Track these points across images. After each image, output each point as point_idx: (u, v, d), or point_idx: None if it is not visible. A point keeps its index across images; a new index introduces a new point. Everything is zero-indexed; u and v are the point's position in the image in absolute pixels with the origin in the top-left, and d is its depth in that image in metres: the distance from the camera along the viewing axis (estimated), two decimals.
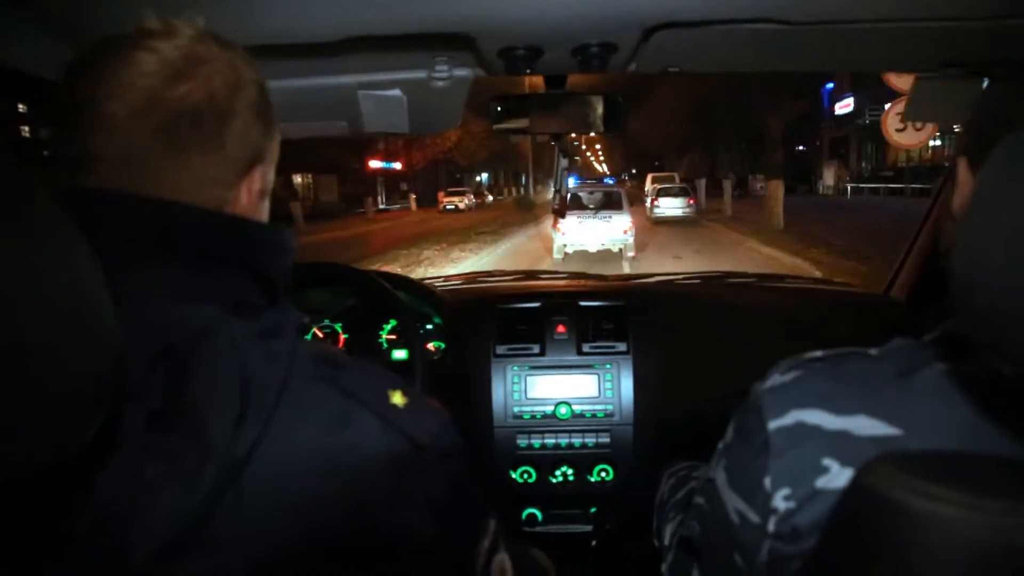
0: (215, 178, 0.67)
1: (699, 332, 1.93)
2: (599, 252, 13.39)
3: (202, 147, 0.65)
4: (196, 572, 0.56)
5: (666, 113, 30.11)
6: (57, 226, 0.43)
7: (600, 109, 1.50)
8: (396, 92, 1.39)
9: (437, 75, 1.34)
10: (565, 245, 13.49)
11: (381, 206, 41.87)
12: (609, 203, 13.83)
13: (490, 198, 46.96)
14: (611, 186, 16.09)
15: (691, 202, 22.31)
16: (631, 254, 13.34)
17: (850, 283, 2.50)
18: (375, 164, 39.67)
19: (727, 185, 25.12)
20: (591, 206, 13.63)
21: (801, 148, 44.84)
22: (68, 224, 0.44)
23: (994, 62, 0.95)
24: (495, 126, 1.53)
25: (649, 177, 30.94)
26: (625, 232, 13.36)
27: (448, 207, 36.11)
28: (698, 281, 2.33)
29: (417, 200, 40.58)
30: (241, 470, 0.57)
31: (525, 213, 28.55)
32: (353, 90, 1.38)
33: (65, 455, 0.44)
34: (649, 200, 23.99)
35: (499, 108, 1.51)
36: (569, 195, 14.95)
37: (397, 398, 0.68)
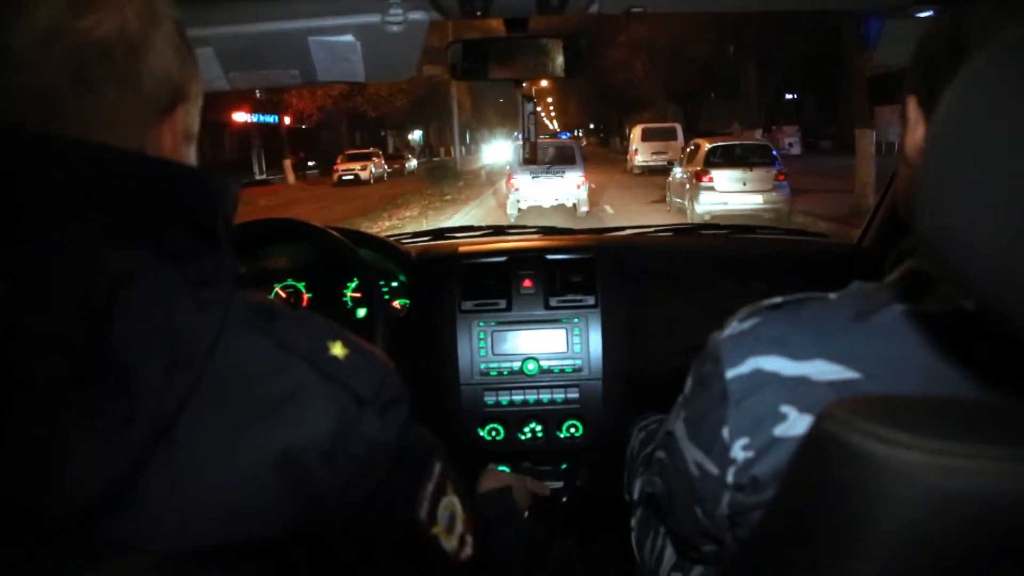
0: (132, 117, 0.62)
1: (669, 284, 1.90)
2: (553, 207, 13.81)
3: (115, 82, 0.60)
4: (125, 533, 0.53)
5: (650, 50, 27.66)
6: None
7: (563, 52, 1.44)
8: (349, 38, 1.33)
9: (391, 19, 1.28)
10: (519, 201, 13.77)
11: (258, 176, 32.14)
12: (562, 158, 13.90)
13: (412, 163, 36.44)
14: (564, 141, 16.94)
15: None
16: (584, 209, 13.79)
17: (825, 235, 2.48)
18: (243, 118, 29.95)
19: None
20: (544, 161, 13.60)
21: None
22: None
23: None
24: (453, 74, 1.48)
25: (637, 130, 26.11)
26: (578, 187, 13.73)
27: (345, 177, 27.54)
28: (670, 233, 2.30)
29: (312, 166, 33.37)
30: (171, 424, 0.54)
31: (440, 190, 20.56)
32: (303, 36, 1.32)
33: None
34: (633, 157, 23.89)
35: (457, 54, 1.45)
36: (521, 150, 15.18)
37: (337, 349, 0.65)
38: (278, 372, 0.60)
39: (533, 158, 1.84)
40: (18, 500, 0.50)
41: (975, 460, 0.47)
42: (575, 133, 62.92)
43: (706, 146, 12.86)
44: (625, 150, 38.67)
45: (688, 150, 14.03)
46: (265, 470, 0.57)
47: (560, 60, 1.46)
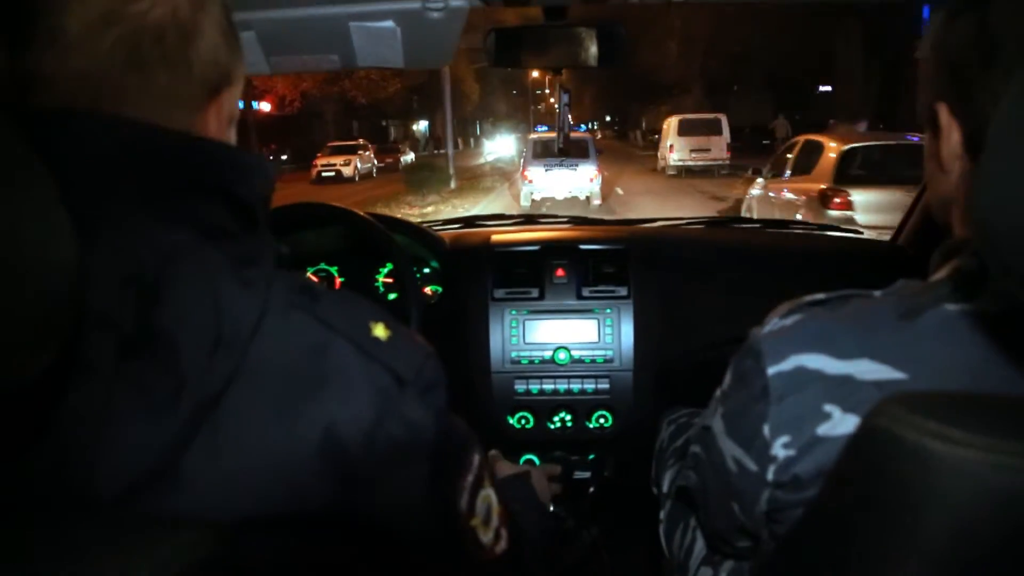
0: (182, 100, 0.64)
1: (702, 277, 1.89)
2: (565, 199, 14.05)
3: (167, 66, 0.62)
4: (168, 510, 0.54)
5: (688, 32, 25.36)
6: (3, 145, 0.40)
7: (599, 42, 1.44)
8: (389, 24, 1.33)
9: (432, 5, 1.28)
10: (532, 193, 14.14)
11: None
12: (576, 152, 14.02)
13: (410, 156, 31.71)
14: (578, 134, 16.40)
15: None
16: (597, 202, 14.15)
17: (859, 231, 2.45)
18: None
19: None
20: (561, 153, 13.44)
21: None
22: (15, 142, 0.41)
23: None
24: (490, 61, 1.48)
25: (672, 122, 21.61)
26: (591, 180, 14.13)
27: (325, 174, 24.08)
28: (702, 226, 2.28)
29: (286, 160, 29.07)
30: (216, 403, 0.55)
31: (422, 197, 16.74)
32: (344, 21, 1.32)
33: (17, 382, 0.42)
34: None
35: (494, 41, 1.45)
36: (535, 143, 14.67)
37: (379, 331, 0.65)
38: (321, 351, 0.61)
39: (567, 148, 1.83)
40: (69, 473, 0.51)
41: None
42: (590, 126, 60.92)
43: (838, 148, 7.84)
44: (647, 144, 36.46)
45: (793, 153, 9.04)
46: (307, 447, 0.58)
47: (595, 49, 1.46)
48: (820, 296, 0.75)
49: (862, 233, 2.38)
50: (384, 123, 40.53)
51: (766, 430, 0.72)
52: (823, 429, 0.67)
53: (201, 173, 0.61)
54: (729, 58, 25.69)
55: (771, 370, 0.72)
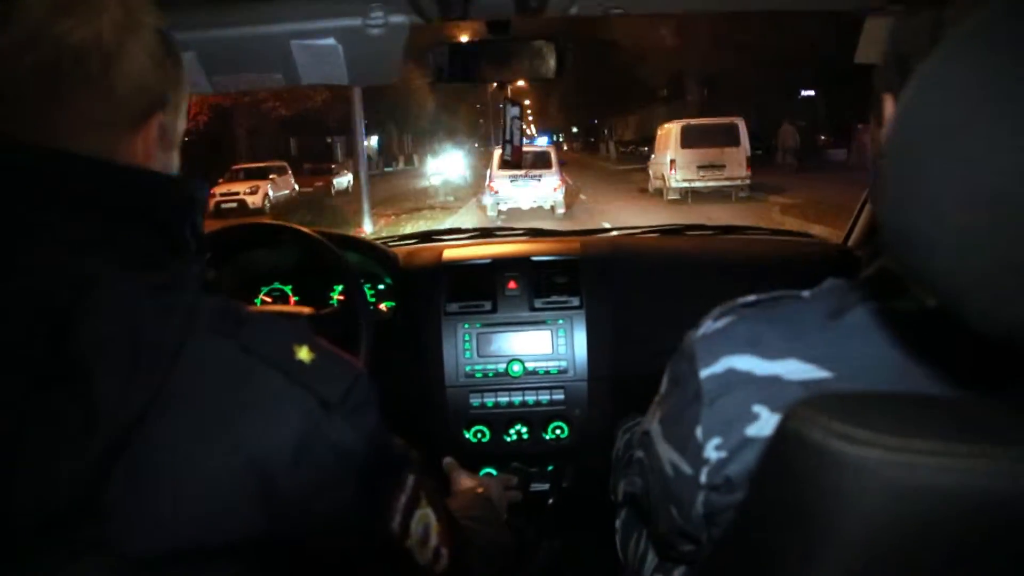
0: (103, 124, 0.63)
1: (655, 285, 1.90)
2: (531, 209, 14.79)
3: (86, 90, 0.61)
4: (87, 544, 0.52)
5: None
6: None
7: (550, 54, 1.45)
8: (330, 41, 1.33)
9: (372, 22, 1.28)
10: (499, 203, 14.87)
11: None
12: (540, 163, 14.89)
13: (345, 179, 25.86)
14: (541, 147, 17.06)
15: None
16: (561, 211, 14.83)
17: (810, 234, 2.48)
18: None
19: None
20: (523, 165, 13.61)
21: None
22: None
23: None
24: (438, 77, 1.48)
25: (672, 129, 16.96)
26: (555, 190, 14.85)
27: (225, 205, 18.92)
28: (656, 234, 2.30)
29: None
30: (131, 433, 0.54)
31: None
32: (285, 40, 1.32)
33: None
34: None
35: (441, 57, 1.45)
36: (500, 154, 16.01)
37: (303, 353, 0.64)
38: (243, 377, 0.60)
39: (517, 161, 1.84)
40: None
41: (934, 457, 0.47)
42: (555, 137, 59.32)
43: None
44: (621, 157, 35.00)
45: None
46: (231, 476, 0.57)
47: (545, 61, 1.47)
48: (751, 298, 0.76)
49: (812, 237, 2.41)
50: (329, 140, 35.58)
51: (699, 432, 0.72)
52: (752, 430, 0.68)
53: (117, 199, 0.60)
54: (743, 50, 21.30)
55: (703, 372, 0.73)
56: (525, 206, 14.79)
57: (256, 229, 1.70)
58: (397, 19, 1.28)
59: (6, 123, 0.58)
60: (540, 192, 14.83)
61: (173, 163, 0.72)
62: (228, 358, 0.60)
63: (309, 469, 0.60)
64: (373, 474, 0.66)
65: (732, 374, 0.70)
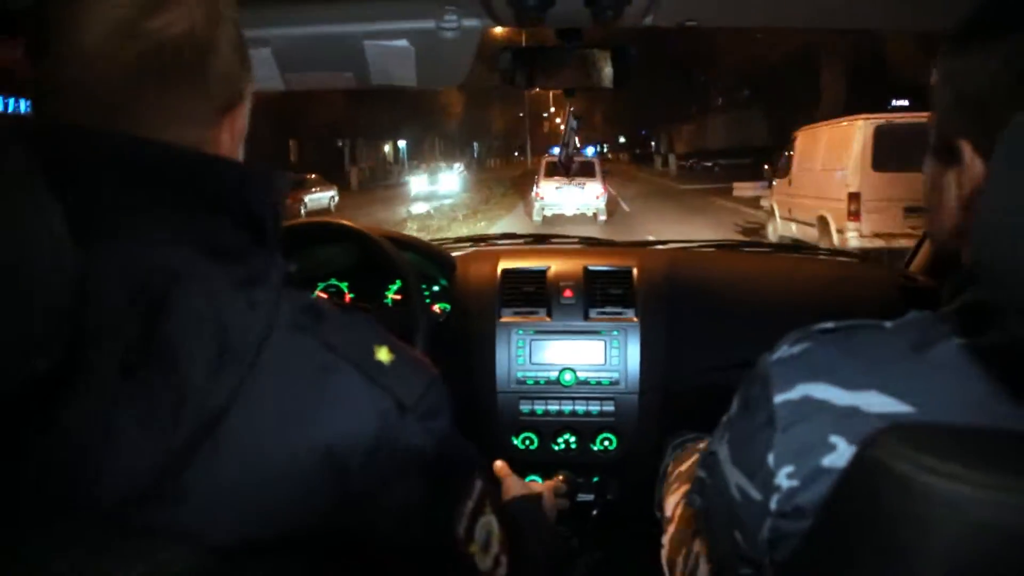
0: (196, 116, 0.64)
1: (710, 300, 1.88)
2: (574, 215, 15.53)
3: (184, 82, 0.62)
4: (167, 524, 0.54)
5: None
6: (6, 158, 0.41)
7: (611, 63, 1.44)
8: (403, 43, 1.34)
9: (445, 25, 1.29)
10: (544, 208, 15.69)
11: None
12: (584, 172, 15.38)
13: (326, 195, 21.27)
14: (586, 156, 17.66)
15: None
16: (603, 217, 15.52)
17: (868, 256, 2.44)
18: None
19: None
20: (570, 174, 14.70)
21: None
22: (21, 157, 0.42)
23: None
24: (504, 80, 1.48)
25: (858, 131, 8.86)
26: (597, 198, 15.51)
27: None
28: (712, 249, 2.28)
29: None
30: (218, 421, 0.55)
31: None
32: (359, 40, 1.33)
33: (12, 387, 0.43)
34: None
35: (508, 61, 1.46)
36: (547, 164, 15.62)
37: (383, 354, 0.65)
38: (323, 373, 0.61)
39: (568, 168, 1.84)
40: (68, 485, 0.51)
41: (1020, 495, 0.46)
42: (600, 148, 57.78)
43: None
44: (682, 173, 32.79)
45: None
46: (307, 467, 0.58)
47: (608, 71, 1.47)
48: (830, 325, 0.75)
49: (873, 262, 2.37)
50: (340, 143, 31.86)
51: (771, 459, 0.71)
52: (828, 460, 0.67)
53: (211, 191, 0.61)
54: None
55: (778, 398, 0.71)
56: (569, 212, 15.54)
57: (317, 226, 1.71)
58: (471, 23, 1.29)
59: (106, 116, 0.59)
60: (583, 199, 15.52)
61: (242, 153, 0.73)
62: (310, 353, 0.61)
63: (381, 468, 0.61)
64: (442, 477, 0.67)
65: (808, 402, 0.69)
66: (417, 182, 25.87)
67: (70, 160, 0.56)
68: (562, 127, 1.77)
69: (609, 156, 57.07)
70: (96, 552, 0.48)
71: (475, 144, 55.41)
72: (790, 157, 11.04)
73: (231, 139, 0.68)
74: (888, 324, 0.72)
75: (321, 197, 20.65)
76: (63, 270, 0.44)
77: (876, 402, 0.65)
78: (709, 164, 33.68)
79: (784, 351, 0.75)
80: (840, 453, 0.66)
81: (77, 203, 0.53)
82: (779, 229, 11.47)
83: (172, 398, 0.53)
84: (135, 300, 0.54)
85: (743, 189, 16.01)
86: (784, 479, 0.70)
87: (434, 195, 23.96)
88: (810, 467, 0.68)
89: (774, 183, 11.90)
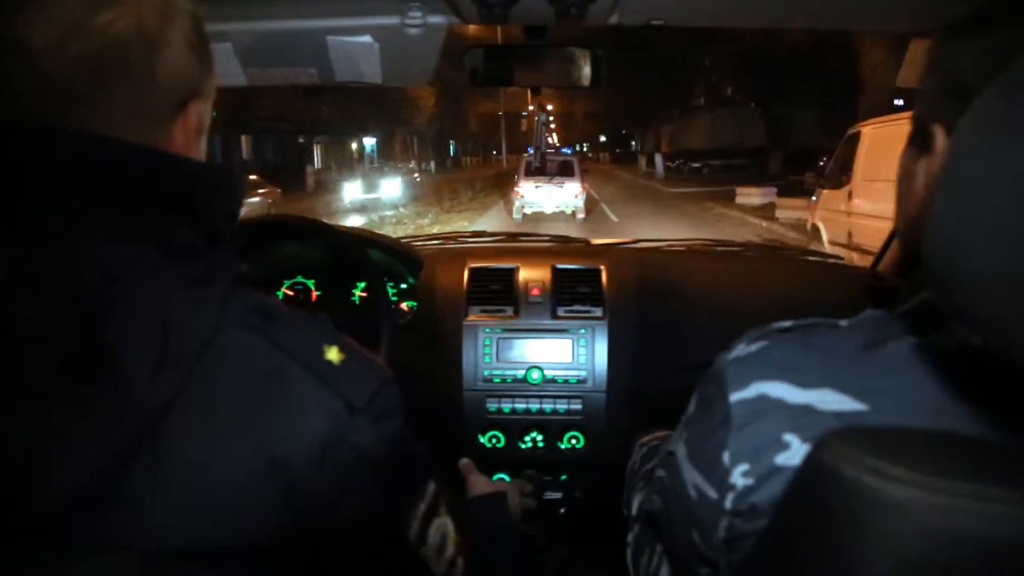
0: (146, 114, 0.63)
1: (680, 299, 1.89)
2: (553, 213, 15.89)
3: (129, 80, 0.61)
4: (110, 530, 0.53)
5: None
6: None
7: (586, 63, 1.44)
8: (367, 39, 1.33)
9: (410, 21, 1.27)
10: (523, 206, 16.08)
11: None
12: (563, 171, 15.85)
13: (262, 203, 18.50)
14: (565, 155, 18.65)
15: None
16: (581, 215, 15.94)
17: (840, 257, 2.46)
18: None
19: None
20: (547, 172, 15.15)
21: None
22: None
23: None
24: (472, 79, 1.48)
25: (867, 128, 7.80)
26: (576, 196, 15.92)
27: None
28: (683, 248, 2.28)
29: None
30: (159, 422, 0.54)
31: None
32: (322, 35, 1.32)
33: None
34: None
35: (477, 59, 1.45)
36: (527, 163, 15.81)
37: (333, 354, 0.64)
38: (271, 373, 0.60)
39: (542, 167, 1.84)
40: (3, 490, 0.50)
41: (973, 501, 0.46)
42: (578, 147, 57.94)
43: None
44: (673, 176, 31.28)
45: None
46: (252, 473, 0.57)
47: (582, 69, 1.46)
48: (787, 323, 0.75)
49: (842, 259, 2.38)
50: (301, 140, 29.98)
51: (726, 457, 0.71)
52: (781, 459, 0.67)
53: (162, 188, 0.60)
54: None
55: (734, 397, 0.71)
56: (548, 210, 15.94)
57: (284, 223, 1.70)
58: (436, 20, 1.28)
59: (57, 114, 0.58)
60: (562, 198, 15.92)
61: (202, 149, 0.72)
62: (258, 353, 0.60)
63: (332, 473, 0.60)
64: (394, 480, 0.66)
65: (763, 400, 0.69)
66: (351, 189, 22.10)
67: (11, 156, 0.55)
68: (545, 127, 1.76)
69: (589, 155, 56.53)
70: (26, 560, 0.47)
71: (451, 142, 53.51)
72: (847, 160, 8.17)
73: (185, 136, 0.67)
74: (843, 322, 0.72)
75: (254, 202, 18.46)
76: None
77: (830, 400, 0.65)
78: (697, 165, 31.97)
79: (741, 349, 0.75)
80: (794, 451, 0.66)
81: (13, 199, 0.52)
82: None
83: (113, 398, 0.52)
84: (75, 299, 0.53)
85: (748, 195, 14.85)
86: (739, 477, 0.70)
87: (374, 205, 20.92)
88: (764, 465, 0.68)
89: (820, 194, 9.07)
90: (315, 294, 1.90)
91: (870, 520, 0.48)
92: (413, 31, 1.29)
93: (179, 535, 0.54)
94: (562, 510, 1.83)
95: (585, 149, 62.34)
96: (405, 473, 0.69)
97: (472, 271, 1.90)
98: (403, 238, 2.17)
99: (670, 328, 1.84)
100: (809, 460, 0.55)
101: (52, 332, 0.52)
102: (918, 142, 0.73)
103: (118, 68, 0.59)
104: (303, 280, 1.90)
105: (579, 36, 1.57)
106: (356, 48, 1.34)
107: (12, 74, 0.58)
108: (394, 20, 1.27)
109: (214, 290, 0.59)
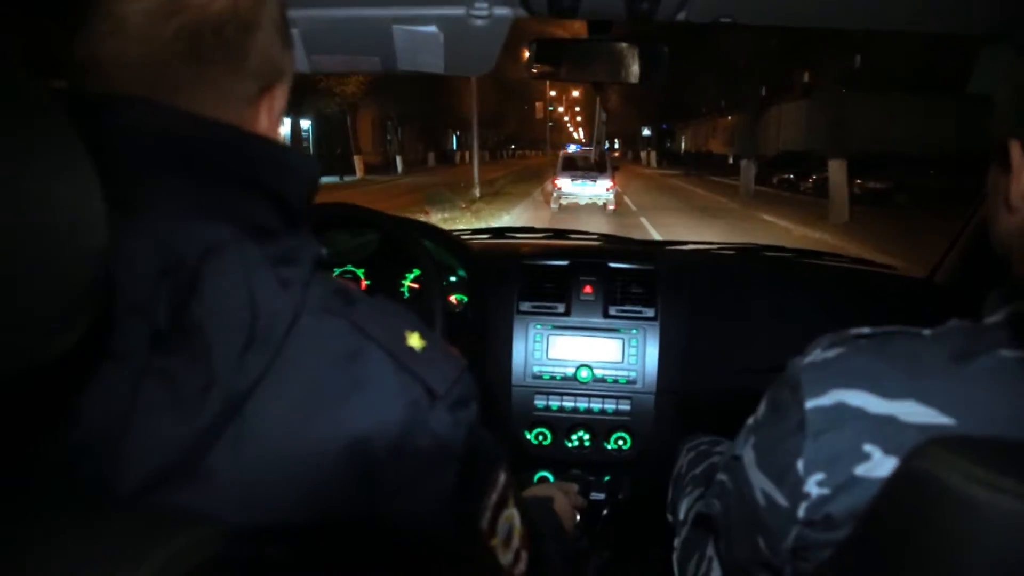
0: (236, 94, 0.63)
1: (730, 303, 1.86)
2: (587, 204, 17.34)
3: (225, 59, 0.61)
4: (188, 506, 0.53)
5: None
6: (44, 123, 0.39)
7: (641, 59, 1.42)
8: (432, 29, 1.32)
9: (476, 12, 1.27)
10: (560, 197, 17.43)
11: None
12: (596, 165, 17.39)
13: None
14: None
15: None
16: (611, 207, 17.03)
17: (894, 266, 2.40)
18: None
19: None
20: (582, 167, 17.43)
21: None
22: (62, 126, 0.40)
23: None
24: (528, 70, 1.47)
25: None
26: (607, 190, 17.22)
27: None
28: (732, 252, 2.25)
29: None
30: (244, 402, 0.54)
31: None
32: (387, 24, 1.31)
33: (36, 362, 0.41)
34: None
35: (536, 51, 1.44)
36: (564, 158, 17.40)
37: (414, 340, 0.64)
38: (353, 357, 0.60)
39: (602, 165, 1.82)
40: (91, 461, 0.50)
41: None
42: (613, 144, 56.97)
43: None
44: (706, 178, 25.79)
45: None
46: (333, 455, 0.57)
47: (637, 66, 1.45)
48: (865, 330, 0.73)
49: (895, 269, 2.33)
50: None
51: (800, 465, 0.69)
52: (861, 470, 0.65)
53: (248, 170, 0.61)
54: None
55: (809, 403, 0.69)
56: (582, 201, 17.45)
57: (339, 209, 1.70)
58: (502, 11, 1.27)
59: (149, 90, 0.58)
60: (595, 190, 17.31)
61: (280, 134, 0.72)
62: (340, 336, 0.60)
63: (410, 457, 0.60)
64: (468, 469, 0.65)
65: (842, 408, 0.67)
66: None
67: (104, 129, 0.56)
68: (572, 124, 1.75)
69: (617, 154, 54.77)
70: (116, 536, 0.47)
71: (455, 133, 47.23)
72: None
73: (269, 119, 0.67)
74: (926, 332, 0.70)
75: None
76: (97, 238, 0.43)
77: (915, 412, 0.63)
78: (789, 176, 22.04)
79: (817, 355, 0.73)
80: (875, 463, 0.64)
81: (109, 172, 0.53)
82: None
83: (201, 377, 0.52)
84: (166, 275, 0.53)
85: None
86: (814, 487, 0.68)
87: None
88: (842, 476, 0.66)
89: None
90: (364, 284, 1.90)
91: (979, 533, 0.47)
92: (479, 22, 1.28)
93: (260, 512, 0.54)
94: (605, 511, 1.81)
95: (616, 146, 60.09)
96: (479, 462, 0.68)
97: (525, 267, 1.89)
98: (452, 231, 2.17)
99: (721, 332, 1.82)
100: (905, 469, 0.54)
101: (144, 306, 0.52)
102: (999, 159, 0.71)
103: (214, 47, 0.60)
104: (352, 269, 1.91)
105: (639, 33, 1.55)
106: (421, 38, 1.34)
107: (107, 49, 0.58)
108: (460, 11, 1.27)
109: (298, 271, 0.60)
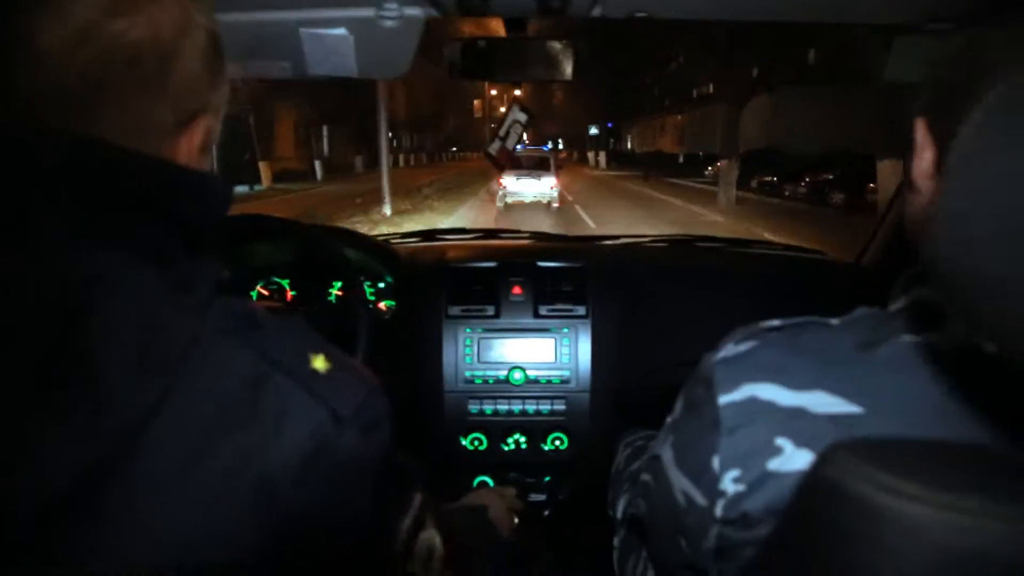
0: (152, 126, 0.61)
1: (663, 297, 1.87)
2: (532, 202, 18.06)
3: (140, 90, 0.59)
4: (82, 546, 0.50)
5: None
6: None
7: (563, 56, 1.41)
8: (341, 31, 1.29)
9: (385, 13, 1.24)
10: (506, 196, 17.89)
11: None
12: (541, 165, 18.28)
13: None
14: (542, 152, 20.87)
15: None
16: (555, 204, 17.92)
17: (823, 251, 2.44)
18: None
19: None
20: (527, 166, 17.92)
21: None
22: None
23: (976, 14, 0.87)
24: (451, 73, 1.45)
25: None
26: (551, 188, 18.03)
27: None
28: (664, 244, 2.26)
29: None
30: (140, 432, 0.51)
31: None
32: (295, 28, 1.28)
33: None
34: None
35: (456, 52, 1.42)
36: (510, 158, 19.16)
37: (319, 363, 0.62)
38: (255, 381, 0.57)
39: (501, 163, 1.80)
40: None
41: (987, 518, 0.44)
42: (556, 144, 56.48)
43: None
44: (649, 177, 25.06)
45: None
46: (235, 486, 0.54)
47: (560, 64, 1.44)
48: (776, 322, 0.72)
49: (824, 254, 2.37)
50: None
51: (716, 463, 0.68)
52: (774, 464, 0.64)
53: (146, 194, 0.58)
54: None
55: (723, 399, 0.69)
56: (527, 199, 18.00)
57: (261, 221, 1.66)
58: (412, 12, 1.24)
59: (60, 121, 0.56)
60: (539, 188, 17.98)
61: (207, 165, 0.70)
62: (241, 360, 0.58)
63: (316, 485, 0.58)
64: (379, 494, 0.63)
65: (754, 403, 0.66)
66: None
67: (2, 158, 0.54)
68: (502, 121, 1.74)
69: (563, 156, 54.67)
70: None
71: (395, 136, 41.31)
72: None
73: (190, 151, 0.65)
74: (835, 321, 0.70)
75: None
76: None
77: (823, 402, 0.63)
78: (770, 178, 19.81)
79: (729, 349, 0.72)
80: (787, 456, 0.64)
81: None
82: None
83: (90, 406, 0.49)
84: (53, 303, 0.51)
85: None
86: (730, 484, 0.67)
87: None
88: (756, 471, 0.66)
89: None
90: (290, 294, 1.86)
91: (882, 538, 0.46)
92: (389, 23, 1.25)
93: (159, 552, 0.52)
94: (546, 513, 1.80)
95: (561, 146, 59.47)
96: (392, 485, 0.67)
97: (452, 270, 1.87)
98: (380, 236, 2.13)
99: (653, 326, 1.82)
100: (814, 476, 0.53)
101: (30, 336, 0.50)
102: (908, 138, 0.71)
103: (130, 77, 0.58)
104: (277, 280, 1.87)
105: (559, 29, 1.54)
106: (330, 41, 1.30)
107: (19, 77, 0.56)
108: (369, 12, 1.24)
109: (196, 296, 0.58)
